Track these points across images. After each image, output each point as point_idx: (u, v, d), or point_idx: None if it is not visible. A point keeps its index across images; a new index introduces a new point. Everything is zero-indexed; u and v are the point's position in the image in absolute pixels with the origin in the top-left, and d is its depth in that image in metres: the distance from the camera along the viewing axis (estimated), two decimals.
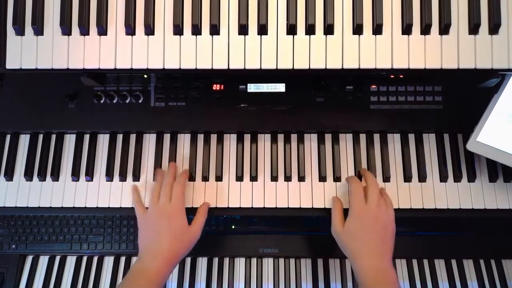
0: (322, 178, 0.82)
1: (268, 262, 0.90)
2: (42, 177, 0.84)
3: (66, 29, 0.68)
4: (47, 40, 0.68)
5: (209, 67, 0.67)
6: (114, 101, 0.85)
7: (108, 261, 0.93)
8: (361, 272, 0.69)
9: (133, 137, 0.86)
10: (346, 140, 0.85)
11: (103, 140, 0.87)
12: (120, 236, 0.92)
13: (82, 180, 0.84)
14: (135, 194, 0.81)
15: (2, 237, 0.93)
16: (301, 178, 0.82)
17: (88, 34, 0.68)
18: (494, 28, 0.66)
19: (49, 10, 0.69)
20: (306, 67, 0.67)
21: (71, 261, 0.93)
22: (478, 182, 0.81)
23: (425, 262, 0.90)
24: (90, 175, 0.84)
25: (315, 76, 0.84)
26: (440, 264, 0.90)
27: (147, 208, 0.78)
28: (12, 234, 0.93)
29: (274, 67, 0.67)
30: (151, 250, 0.73)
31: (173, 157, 0.84)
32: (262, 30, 0.67)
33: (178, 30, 0.67)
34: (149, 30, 0.67)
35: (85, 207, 0.82)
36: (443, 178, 0.81)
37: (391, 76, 0.84)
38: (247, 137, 0.85)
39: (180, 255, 0.74)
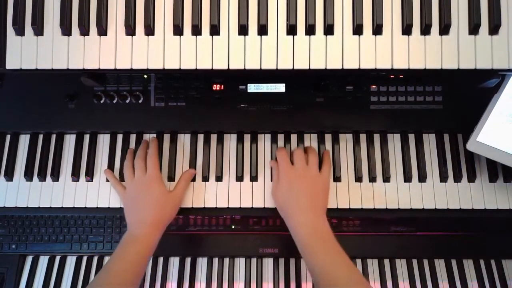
0: None
1: (268, 262, 0.90)
2: (42, 177, 0.84)
3: (66, 29, 0.68)
4: (47, 40, 0.68)
5: (209, 67, 0.67)
6: (114, 101, 0.85)
7: None
8: (294, 229, 0.73)
9: (133, 137, 0.86)
10: (346, 140, 0.85)
11: (103, 140, 0.87)
12: (120, 236, 0.92)
13: (82, 180, 0.84)
14: (113, 176, 0.82)
15: (2, 237, 0.93)
16: None
17: (88, 34, 0.68)
18: (494, 29, 0.66)
19: (49, 10, 0.68)
20: (306, 67, 0.67)
21: (71, 261, 0.93)
22: (478, 182, 0.81)
23: (425, 262, 0.90)
24: (90, 175, 0.84)
25: (315, 76, 0.84)
26: (440, 264, 0.90)
27: None
28: (12, 234, 0.93)
29: (274, 67, 0.67)
30: (137, 220, 0.75)
31: (173, 157, 0.84)
32: (262, 30, 0.67)
33: (178, 30, 0.67)
34: (149, 30, 0.67)
35: (85, 207, 0.82)
36: (443, 178, 0.81)
37: (391, 76, 0.84)
38: (247, 137, 0.85)
39: (166, 218, 0.77)
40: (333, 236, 0.71)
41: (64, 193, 0.83)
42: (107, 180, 0.83)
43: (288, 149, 0.84)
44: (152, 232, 0.74)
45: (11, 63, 0.68)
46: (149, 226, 0.74)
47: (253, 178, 0.83)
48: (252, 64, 0.67)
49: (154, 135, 0.86)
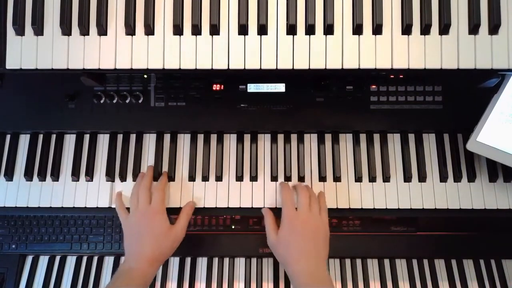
0: (322, 178, 0.82)
1: (268, 262, 0.90)
2: (42, 177, 0.84)
3: (66, 29, 0.68)
4: (47, 40, 0.68)
5: (209, 67, 0.67)
6: (114, 101, 0.85)
7: (108, 261, 0.93)
8: (294, 277, 0.71)
9: (133, 137, 0.86)
10: (346, 140, 0.85)
11: (103, 140, 0.87)
12: (120, 236, 0.92)
13: (82, 180, 0.84)
14: (119, 200, 0.81)
15: (2, 237, 0.93)
16: (301, 178, 0.82)
17: (88, 34, 0.68)
18: (494, 28, 0.66)
19: (49, 10, 0.69)
20: (306, 67, 0.67)
21: (71, 261, 0.93)
22: (478, 182, 0.81)
23: (425, 262, 0.90)
24: (90, 175, 0.84)
25: (315, 76, 0.84)
26: (440, 264, 0.90)
27: None
28: (12, 234, 0.93)
29: (274, 67, 0.67)
30: (135, 252, 0.74)
31: (173, 157, 0.84)
32: (262, 30, 0.67)
33: (178, 30, 0.67)
34: (149, 30, 0.67)
35: (85, 207, 0.82)
36: (443, 178, 0.81)
37: (391, 76, 0.84)
38: (247, 137, 0.85)
39: (163, 255, 0.76)
40: (333, 284, 0.70)
41: (64, 193, 0.83)
42: (107, 180, 0.83)
43: (289, 149, 0.84)
44: (148, 268, 0.73)
45: (11, 63, 0.68)
46: (147, 262, 0.73)
47: (253, 178, 0.83)
48: (252, 64, 0.67)
49: (154, 135, 0.86)
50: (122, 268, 0.74)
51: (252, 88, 0.84)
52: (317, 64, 0.67)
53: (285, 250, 0.73)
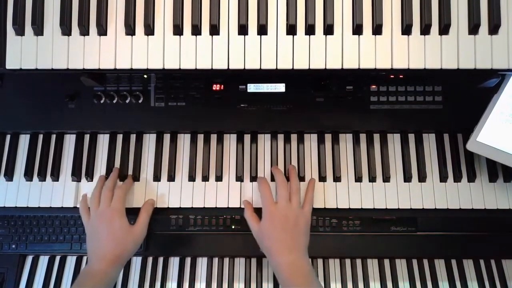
0: (322, 178, 0.82)
1: (268, 262, 0.90)
2: (42, 177, 0.84)
3: (66, 29, 0.68)
4: (47, 40, 0.68)
5: (209, 67, 0.67)
6: (114, 101, 0.85)
7: None
8: (276, 268, 0.73)
9: (133, 137, 0.86)
10: (346, 140, 0.85)
11: (103, 140, 0.87)
12: None
13: (83, 180, 0.84)
14: (82, 203, 0.81)
15: (2, 237, 0.93)
16: (301, 178, 0.82)
17: (88, 34, 0.68)
18: (494, 29, 0.66)
19: (49, 10, 0.69)
20: (306, 67, 0.67)
21: (71, 261, 0.93)
22: (478, 182, 0.81)
23: (425, 262, 0.90)
24: (90, 175, 0.84)
25: (315, 76, 0.84)
26: (440, 264, 0.90)
27: None
28: (12, 234, 0.93)
29: (274, 67, 0.67)
30: (96, 254, 0.75)
31: (173, 157, 0.84)
32: (262, 30, 0.67)
33: (178, 30, 0.67)
34: (149, 30, 0.67)
35: None
36: (443, 178, 0.81)
37: (391, 76, 0.84)
38: (247, 137, 0.85)
39: (124, 256, 0.76)
40: (314, 273, 0.72)
41: (64, 193, 0.83)
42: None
43: (289, 149, 0.84)
44: (110, 269, 0.73)
45: (11, 63, 0.68)
46: (108, 262, 0.73)
47: (253, 178, 0.83)
48: (252, 64, 0.67)
49: (154, 135, 0.86)
50: (84, 270, 0.75)
51: (252, 88, 0.84)
52: (317, 64, 0.67)
53: (266, 241, 0.74)
